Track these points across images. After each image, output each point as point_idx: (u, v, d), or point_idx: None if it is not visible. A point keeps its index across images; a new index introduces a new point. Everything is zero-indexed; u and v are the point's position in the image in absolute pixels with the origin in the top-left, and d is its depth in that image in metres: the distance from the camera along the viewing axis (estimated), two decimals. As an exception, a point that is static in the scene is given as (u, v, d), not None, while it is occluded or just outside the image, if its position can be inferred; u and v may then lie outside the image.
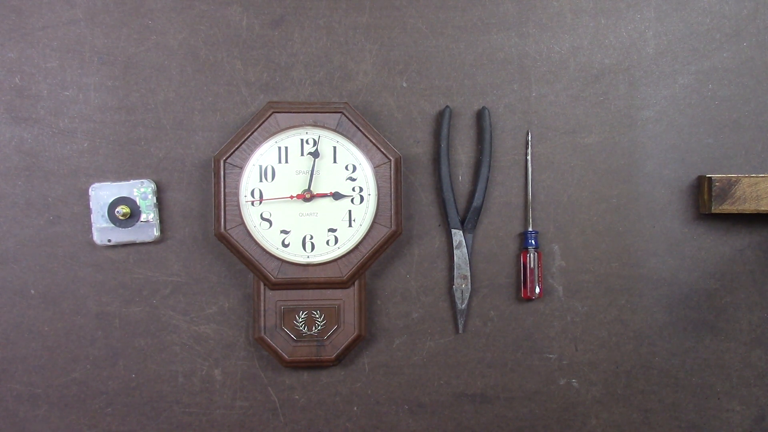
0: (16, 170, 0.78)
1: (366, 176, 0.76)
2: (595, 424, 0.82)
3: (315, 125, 0.76)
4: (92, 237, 0.77)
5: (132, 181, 0.77)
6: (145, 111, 0.78)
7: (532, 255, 0.79)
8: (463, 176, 0.81)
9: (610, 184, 0.82)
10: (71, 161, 0.78)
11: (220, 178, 0.75)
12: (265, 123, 0.76)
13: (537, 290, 0.80)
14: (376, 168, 0.76)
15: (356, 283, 0.77)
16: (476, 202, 0.80)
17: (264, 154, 0.75)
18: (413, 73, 0.80)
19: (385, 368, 0.80)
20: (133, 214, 0.77)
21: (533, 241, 0.80)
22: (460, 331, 0.81)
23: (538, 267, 0.80)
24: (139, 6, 0.78)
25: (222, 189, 0.75)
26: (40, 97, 0.78)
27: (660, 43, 0.82)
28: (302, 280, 0.76)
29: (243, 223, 0.75)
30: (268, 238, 0.75)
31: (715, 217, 0.82)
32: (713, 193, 0.79)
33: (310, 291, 0.77)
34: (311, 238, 0.76)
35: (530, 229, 0.80)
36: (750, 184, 0.78)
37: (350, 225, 0.76)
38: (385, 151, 0.76)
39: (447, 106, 0.79)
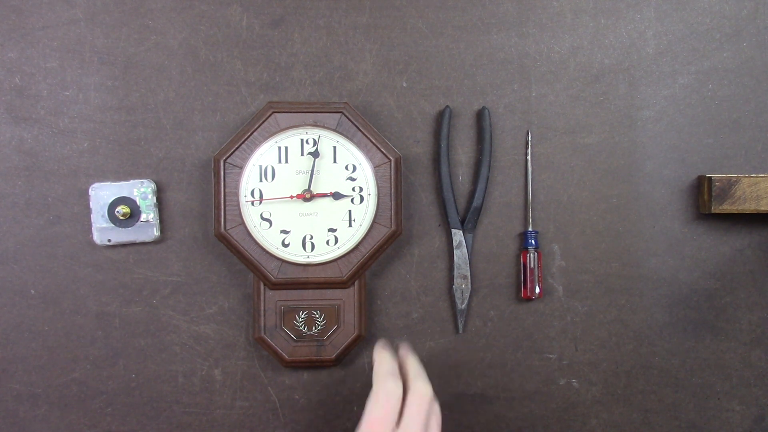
0: (16, 170, 0.78)
1: (366, 176, 0.76)
2: (595, 424, 0.82)
3: (315, 125, 0.76)
4: (92, 237, 0.77)
5: (132, 181, 0.77)
6: (145, 111, 0.78)
7: (532, 255, 0.79)
8: (463, 176, 0.81)
9: (610, 184, 0.82)
10: (71, 161, 0.78)
11: (220, 178, 0.75)
12: (265, 123, 0.76)
13: (537, 290, 0.80)
14: (376, 168, 0.76)
15: (356, 283, 0.77)
16: (476, 202, 0.80)
17: (264, 154, 0.75)
18: (413, 73, 0.80)
19: (385, 368, 0.80)
20: (133, 214, 0.77)
21: (533, 241, 0.80)
22: (460, 331, 0.81)
23: (538, 267, 0.80)
24: (139, 6, 0.78)
25: (222, 189, 0.75)
26: (40, 97, 0.78)
27: (660, 43, 0.82)
28: (302, 280, 0.76)
29: (243, 223, 0.75)
30: (268, 238, 0.75)
31: (715, 217, 0.82)
32: (713, 193, 0.79)
33: (310, 291, 0.77)
34: (311, 238, 0.76)
35: (530, 229, 0.80)
36: (750, 184, 0.78)
37: (350, 225, 0.76)
38: (385, 151, 0.76)
39: (447, 106, 0.79)
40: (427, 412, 0.63)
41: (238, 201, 0.75)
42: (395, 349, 0.68)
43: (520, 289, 0.81)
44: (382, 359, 0.66)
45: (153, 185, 0.77)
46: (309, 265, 0.76)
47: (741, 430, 0.83)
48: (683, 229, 0.82)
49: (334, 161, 0.76)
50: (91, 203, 0.77)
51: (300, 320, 0.77)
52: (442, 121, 0.79)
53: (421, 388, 0.64)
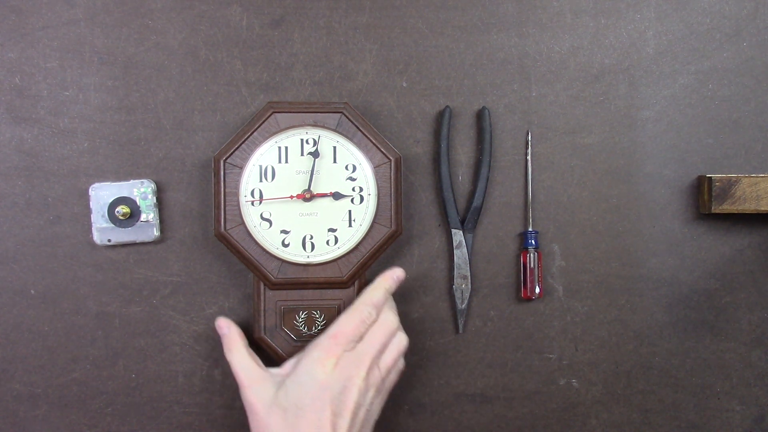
0: (16, 170, 0.78)
1: (366, 176, 0.76)
2: (595, 424, 0.82)
3: (315, 125, 0.76)
4: (92, 237, 0.77)
5: (132, 181, 0.77)
6: (145, 111, 0.78)
7: (532, 255, 0.79)
8: (463, 176, 0.81)
9: (610, 184, 0.82)
10: (71, 161, 0.78)
11: (220, 178, 0.75)
12: (265, 123, 0.76)
13: (537, 290, 0.80)
14: (376, 168, 0.76)
15: (356, 283, 0.77)
16: (476, 202, 0.80)
17: (264, 154, 0.75)
18: (413, 73, 0.80)
19: (385, 368, 0.80)
20: (133, 214, 0.77)
21: (533, 241, 0.80)
22: (460, 331, 0.81)
23: (538, 267, 0.80)
24: (139, 6, 0.78)
25: (222, 189, 0.75)
26: (40, 97, 0.78)
27: (660, 43, 0.82)
28: (302, 280, 0.76)
29: (243, 223, 0.75)
30: (268, 238, 0.75)
31: (715, 217, 0.82)
32: (713, 193, 0.79)
33: (310, 291, 0.77)
34: (311, 238, 0.76)
35: (530, 229, 0.80)
36: (750, 184, 0.78)
37: (350, 225, 0.76)
38: (385, 151, 0.76)
39: (447, 106, 0.79)
40: (385, 341, 0.71)
41: (238, 201, 0.75)
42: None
43: (520, 289, 0.81)
44: (377, 290, 0.74)
45: (153, 185, 0.77)
46: (309, 265, 0.76)
47: (741, 430, 0.83)
48: (683, 229, 0.82)
49: (334, 161, 0.76)
50: (91, 203, 0.77)
51: (300, 320, 0.77)
52: (442, 121, 0.79)
53: (389, 319, 0.72)
